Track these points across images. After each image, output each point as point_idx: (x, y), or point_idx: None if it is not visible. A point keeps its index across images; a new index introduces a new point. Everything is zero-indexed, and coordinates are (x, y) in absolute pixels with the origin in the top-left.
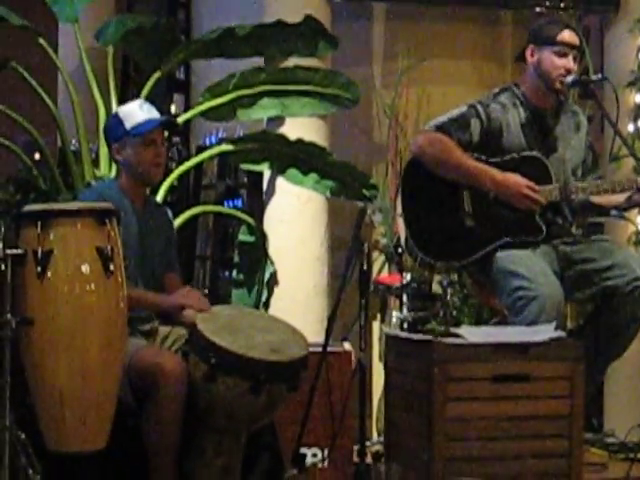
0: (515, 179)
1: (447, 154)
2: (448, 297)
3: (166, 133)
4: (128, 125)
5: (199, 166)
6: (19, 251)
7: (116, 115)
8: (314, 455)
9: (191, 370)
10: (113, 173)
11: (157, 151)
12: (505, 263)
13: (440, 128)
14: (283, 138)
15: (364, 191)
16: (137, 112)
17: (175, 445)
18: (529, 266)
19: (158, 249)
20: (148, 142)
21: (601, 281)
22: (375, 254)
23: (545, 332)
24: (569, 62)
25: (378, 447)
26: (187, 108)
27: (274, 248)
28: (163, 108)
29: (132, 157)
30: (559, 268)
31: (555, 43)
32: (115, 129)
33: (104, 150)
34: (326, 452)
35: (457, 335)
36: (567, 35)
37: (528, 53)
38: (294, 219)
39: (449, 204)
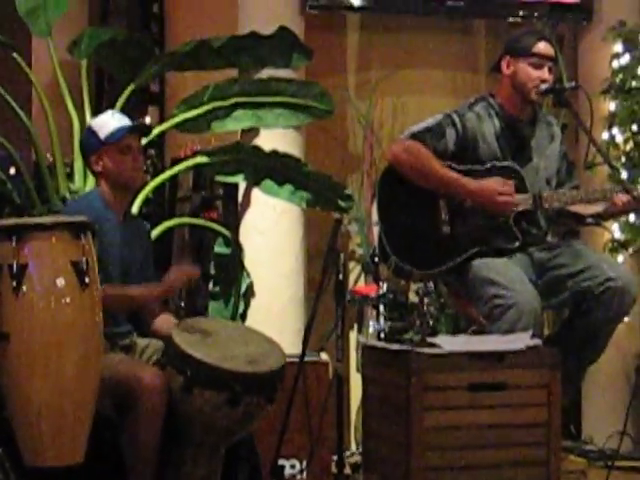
0: (489, 186)
1: (422, 162)
2: (425, 306)
3: (142, 141)
4: (102, 135)
5: (174, 178)
6: None
7: (89, 128)
8: (292, 466)
9: (168, 382)
10: (88, 187)
11: (135, 157)
12: (481, 271)
13: (416, 136)
14: (258, 149)
15: (339, 202)
16: (109, 121)
17: (154, 458)
18: (505, 274)
19: (138, 260)
20: (124, 149)
21: (574, 285)
22: (351, 264)
23: (521, 340)
24: (544, 73)
25: (356, 458)
26: (162, 120)
27: (250, 260)
28: (137, 120)
29: (111, 166)
30: (535, 275)
31: (531, 55)
32: (90, 141)
33: (79, 164)
34: (305, 463)
35: (434, 344)
36: (542, 46)
37: (504, 64)
38: (270, 230)
39: (425, 212)
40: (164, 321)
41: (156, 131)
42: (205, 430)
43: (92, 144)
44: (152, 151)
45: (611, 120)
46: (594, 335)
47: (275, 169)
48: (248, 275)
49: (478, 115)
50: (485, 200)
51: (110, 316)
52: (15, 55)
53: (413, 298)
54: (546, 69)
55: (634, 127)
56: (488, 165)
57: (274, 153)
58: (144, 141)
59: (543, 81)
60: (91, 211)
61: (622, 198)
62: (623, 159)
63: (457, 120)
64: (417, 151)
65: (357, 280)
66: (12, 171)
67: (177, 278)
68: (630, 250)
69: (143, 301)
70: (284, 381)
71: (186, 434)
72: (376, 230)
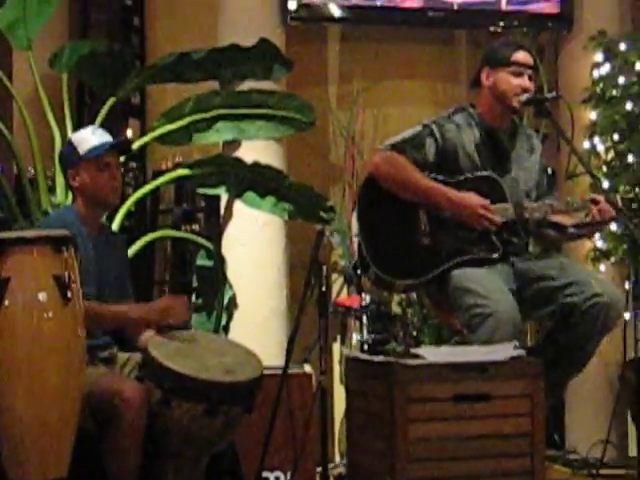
0: (470, 199)
1: (403, 173)
2: (408, 317)
3: (122, 158)
4: (81, 150)
5: (156, 191)
6: None
7: (70, 142)
8: (277, 478)
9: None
10: (69, 200)
11: (112, 174)
12: (461, 281)
13: (395, 147)
14: (239, 161)
15: (321, 213)
16: (90, 137)
17: (136, 471)
18: (484, 283)
19: (113, 275)
20: (102, 166)
21: (560, 298)
22: (334, 276)
23: (504, 351)
24: (525, 81)
25: (341, 469)
26: (143, 133)
27: (232, 272)
28: (119, 133)
29: (88, 182)
30: (516, 286)
31: (510, 64)
32: (69, 155)
33: (60, 177)
34: (289, 475)
35: (417, 356)
36: (521, 55)
37: (483, 76)
38: (252, 242)
39: (406, 222)
40: (149, 336)
41: (137, 144)
42: (185, 442)
43: (71, 159)
44: (133, 164)
45: (592, 129)
46: (579, 349)
47: (257, 181)
48: (231, 287)
49: (458, 125)
50: (467, 212)
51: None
52: None
53: (396, 309)
54: (526, 77)
55: (615, 136)
56: (468, 175)
57: (256, 165)
58: (125, 155)
59: (524, 89)
60: (64, 225)
61: (598, 208)
62: (604, 168)
63: (436, 130)
64: (397, 162)
65: (340, 292)
66: None
67: (167, 308)
68: (612, 259)
69: (123, 320)
70: (265, 392)
71: (166, 446)
72: (355, 241)
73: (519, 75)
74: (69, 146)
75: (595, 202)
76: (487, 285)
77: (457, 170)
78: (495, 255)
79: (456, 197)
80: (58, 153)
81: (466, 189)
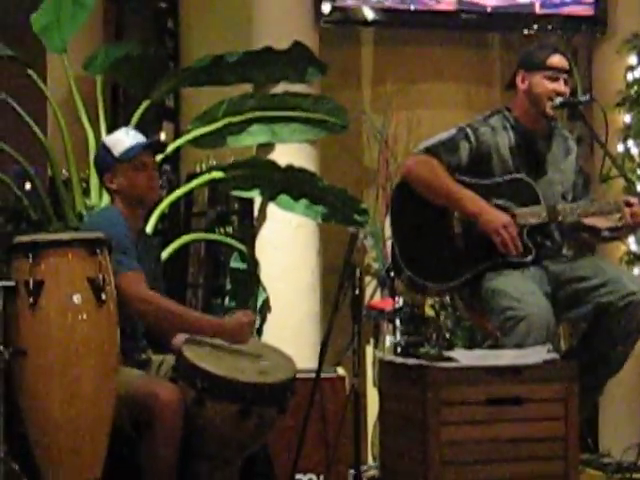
0: (497, 215)
1: (434, 177)
2: (441, 320)
3: (157, 157)
4: (116, 152)
5: (190, 194)
6: (11, 283)
7: (104, 145)
8: None
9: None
10: (104, 202)
11: (149, 174)
12: (494, 284)
13: (429, 151)
14: (273, 164)
15: (355, 216)
16: (124, 139)
17: (172, 474)
18: (518, 286)
19: (149, 278)
20: (139, 166)
21: (594, 299)
22: (367, 279)
23: (538, 354)
24: (560, 86)
25: (374, 472)
26: (177, 136)
27: (266, 274)
28: (153, 136)
29: (125, 183)
30: (550, 289)
31: (545, 68)
32: (104, 159)
33: (94, 179)
34: (322, 478)
35: (450, 359)
36: (557, 59)
37: (519, 79)
38: (285, 245)
39: (439, 225)
40: (182, 339)
41: (171, 147)
42: (219, 443)
43: (106, 162)
44: (167, 167)
45: (626, 132)
46: (615, 349)
47: (290, 184)
48: (264, 290)
49: (493, 128)
50: (489, 227)
51: (128, 330)
52: (30, 71)
53: (429, 312)
54: (562, 81)
55: None
56: (500, 178)
57: (289, 168)
58: (159, 157)
59: (559, 93)
60: (111, 227)
61: (632, 212)
62: (639, 171)
63: (471, 133)
64: (430, 165)
65: (373, 295)
66: (28, 187)
67: (239, 325)
68: None
69: (197, 329)
70: (298, 394)
71: (200, 448)
72: (388, 244)
73: (555, 79)
74: (103, 149)
75: (628, 204)
76: (520, 288)
77: (489, 172)
78: (528, 258)
79: (483, 208)
80: (93, 158)
81: (499, 192)
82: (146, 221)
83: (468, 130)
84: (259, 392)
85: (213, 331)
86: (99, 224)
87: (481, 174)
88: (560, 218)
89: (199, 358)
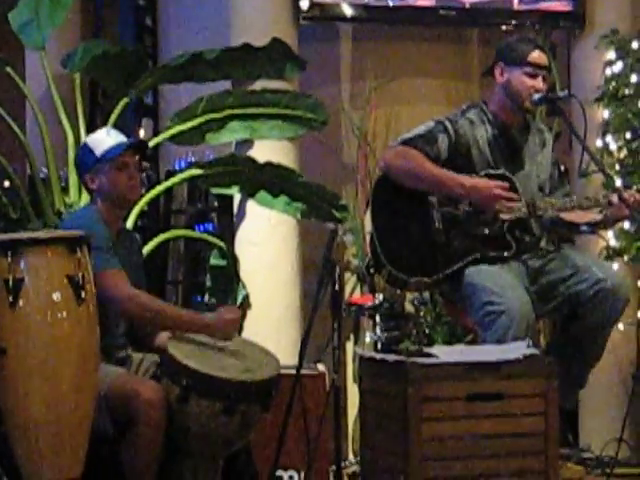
0: (485, 182)
1: (414, 164)
2: (421, 316)
3: (137, 157)
4: (98, 152)
5: (169, 191)
6: None
7: (85, 145)
8: (291, 477)
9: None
10: (83, 200)
11: (131, 173)
12: (474, 278)
13: (407, 143)
14: (252, 161)
15: (334, 212)
16: (105, 139)
17: (154, 472)
18: (497, 281)
19: (130, 276)
20: (120, 166)
21: (566, 290)
22: (347, 275)
23: (518, 349)
24: (539, 82)
25: (354, 468)
26: (156, 133)
27: (246, 271)
28: (132, 133)
29: (106, 183)
30: (529, 283)
31: (525, 64)
32: (86, 159)
33: (73, 177)
34: (302, 474)
35: (430, 355)
36: (537, 55)
37: (497, 72)
38: (265, 242)
39: (419, 220)
40: (165, 337)
41: (150, 144)
42: (203, 441)
43: (88, 161)
44: (147, 164)
45: (605, 128)
46: (591, 338)
47: (270, 180)
48: (244, 286)
49: (471, 121)
50: (483, 194)
51: (107, 328)
52: (8, 69)
53: (409, 308)
54: (540, 78)
55: (628, 135)
56: (481, 173)
57: (268, 164)
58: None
59: (537, 90)
60: (88, 225)
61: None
62: (617, 167)
63: (449, 126)
64: (409, 154)
65: (353, 291)
66: (6, 184)
67: (224, 321)
68: (625, 258)
69: (197, 327)
70: (280, 391)
71: (184, 446)
72: (370, 239)
73: (534, 76)
74: (85, 149)
75: (622, 199)
76: (500, 282)
77: (470, 166)
78: (508, 253)
79: (469, 182)
80: (73, 157)
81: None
82: (125, 218)
83: (447, 123)
84: (244, 390)
85: (198, 327)
86: (78, 224)
87: (461, 168)
88: (540, 212)
89: (184, 355)
